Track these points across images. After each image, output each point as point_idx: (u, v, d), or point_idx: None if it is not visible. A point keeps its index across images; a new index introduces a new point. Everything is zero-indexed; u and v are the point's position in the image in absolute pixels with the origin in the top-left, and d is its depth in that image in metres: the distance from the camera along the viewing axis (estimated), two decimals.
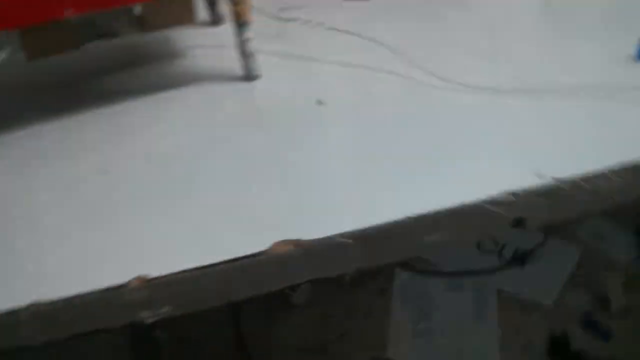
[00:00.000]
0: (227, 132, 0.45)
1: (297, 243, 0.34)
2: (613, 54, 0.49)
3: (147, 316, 0.33)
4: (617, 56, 0.48)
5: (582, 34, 0.54)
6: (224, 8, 0.57)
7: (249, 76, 0.51)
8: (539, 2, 0.62)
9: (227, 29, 0.54)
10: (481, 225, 0.36)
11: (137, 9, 0.50)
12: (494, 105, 0.44)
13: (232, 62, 0.53)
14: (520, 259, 0.90)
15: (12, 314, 0.32)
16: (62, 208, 0.39)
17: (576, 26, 0.56)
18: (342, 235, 0.34)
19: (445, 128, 0.42)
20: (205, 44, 0.58)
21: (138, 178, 0.41)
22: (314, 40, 0.56)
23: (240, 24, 0.49)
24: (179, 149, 0.43)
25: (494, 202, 0.35)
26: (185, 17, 0.52)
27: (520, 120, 0.43)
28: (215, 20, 0.61)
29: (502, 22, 0.58)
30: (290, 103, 0.47)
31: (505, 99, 0.44)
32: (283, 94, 0.49)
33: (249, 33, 0.49)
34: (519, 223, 0.36)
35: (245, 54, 0.50)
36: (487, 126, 0.42)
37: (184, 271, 0.33)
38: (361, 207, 0.36)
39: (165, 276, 0.33)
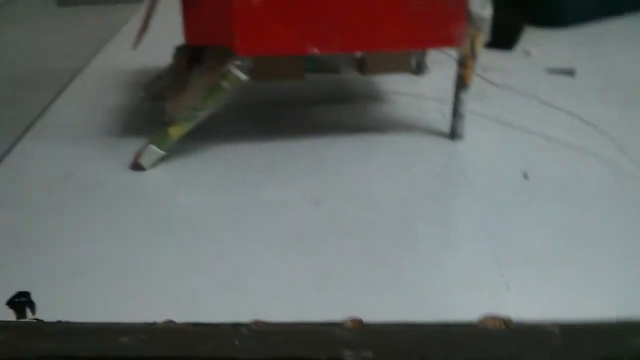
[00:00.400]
0: (435, 188, 0.46)
1: (506, 321, 0.34)
2: None
3: (349, 355, 0.35)
4: None
5: None
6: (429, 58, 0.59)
7: (454, 134, 0.52)
8: None
9: (430, 80, 0.56)
10: None
11: (359, 53, 0.54)
12: None
13: (434, 115, 0.55)
14: None
15: (236, 326, 0.34)
16: (272, 231, 0.42)
17: None
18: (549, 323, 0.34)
19: None
20: (409, 92, 0.60)
21: (353, 216, 0.43)
22: (520, 108, 0.56)
23: (461, 85, 0.50)
24: (389, 195, 0.45)
25: None
26: (403, 65, 0.54)
27: None
28: (420, 69, 0.63)
29: None
30: (496, 170, 0.48)
31: None
32: (488, 158, 0.50)
33: (466, 95, 0.51)
34: None
35: (457, 114, 0.51)
36: None
37: (396, 324, 0.34)
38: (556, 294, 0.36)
39: (377, 324, 0.34)
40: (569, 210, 0.43)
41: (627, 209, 0.43)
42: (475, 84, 0.58)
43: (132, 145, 0.50)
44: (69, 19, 0.93)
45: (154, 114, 0.53)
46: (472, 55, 0.49)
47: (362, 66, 0.53)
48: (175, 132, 0.47)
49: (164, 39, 0.56)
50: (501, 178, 0.47)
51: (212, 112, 0.48)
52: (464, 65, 0.50)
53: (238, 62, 0.45)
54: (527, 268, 0.38)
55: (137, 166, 0.48)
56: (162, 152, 0.48)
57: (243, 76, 0.45)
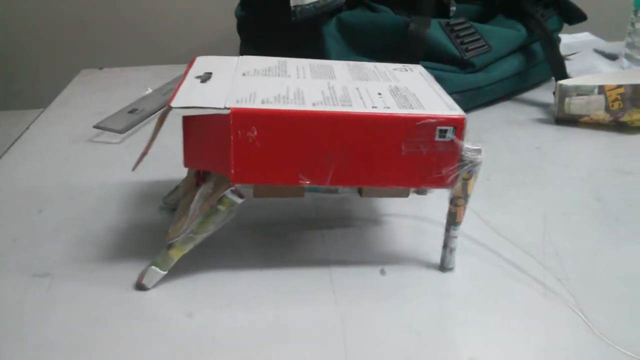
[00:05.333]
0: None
1: None
2: None
3: None
4: None
5: None
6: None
7: (443, 268, 0.53)
8: None
9: (430, 200, 0.56)
10: None
11: None
12: None
13: (429, 240, 0.56)
14: None
15: None
16: None
17: None
18: None
19: None
20: (406, 214, 0.61)
21: None
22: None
23: (452, 222, 0.52)
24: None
25: None
26: (400, 193, 0.55)
27: None
28: (422, 190, 0.64)
29: None
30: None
31: None
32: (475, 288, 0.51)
33: (457, 232, 0.52)
34: None
35: (447, 248, 0.53)
36: None
37: None
38: None
39: None
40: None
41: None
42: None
43: None
44: None
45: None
46: (464, 196, 0.51)
47: (360, 191, 0.54)
48: (176, 254, 0.48)
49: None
50: None
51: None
52: (455, 204, 0.50)
53: (233, 187, 0.46)
54: None
55: (141, 287, 0.49)
56: (163, 273, 0.49)
57: (239, 200, 0.46)
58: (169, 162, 0.71)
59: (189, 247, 0.49)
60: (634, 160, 0.74)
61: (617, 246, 0.56)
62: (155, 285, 0.50)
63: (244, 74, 0.52)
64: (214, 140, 0.47)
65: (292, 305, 0.48)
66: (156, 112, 0.87)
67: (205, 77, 0.51)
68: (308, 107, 0.46)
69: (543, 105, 0.90)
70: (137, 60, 1.28)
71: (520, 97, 0.94)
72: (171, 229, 0.51)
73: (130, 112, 0.85)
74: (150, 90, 0.94)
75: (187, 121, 0.49)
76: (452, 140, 0.47)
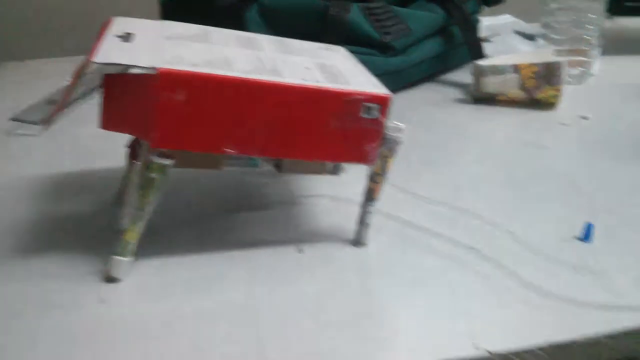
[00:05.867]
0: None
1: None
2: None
3: None
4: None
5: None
6: None
7: (358, 243, 0.54)
8: None
9: (345, 179, 0.57)
10: None
11: None
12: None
13: (344, 218, 0.57)
14: None
15: None
16: None
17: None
18: None
19: None
20: (322, 193, 0.62)
21: None
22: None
23: (369, 199, 0.52)
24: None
25: None
26: (318, 169, 0.55)
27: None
28: (336, 170, 0.65)
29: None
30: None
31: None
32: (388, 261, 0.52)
33: (373, 208, 0.53)
34: None
35: (362, 224, 0.53)
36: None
37: None
38: None
39: None
40: None
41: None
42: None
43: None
44: None
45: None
46: (383, 173, 0.51)
47: (278, 166, 0.53)
48: (131, 236, 0.47)
49: None
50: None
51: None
52: (373, 180, 0.52)
53: (156, 151, 0.44)
54: None
55: (111, 279, 0.48)
56: (127, 259, 0.48)
57: (167, 161, 0.45)
58: (85, 154, 0.70)
59: (140, 225, 0.47)
60: (547, 135, 0.77)
61: (526, 215, 0.59)
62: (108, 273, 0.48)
63: (168, 38, 0.50)
64: (137, 102, 0.46)
65: (208, 288, 0.48)
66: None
67: (127, 37, 0.49)
68: (238, 73, 0.45)
69: (463, 86, 0.93)
70: (57, 52, 1.24)
71: (442, 79, 0.97)
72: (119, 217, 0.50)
73: (49, 103, 0.83)
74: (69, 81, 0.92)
75: (109, 80, 0.47)
76: (377, 118, 0.48)
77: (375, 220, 0.54)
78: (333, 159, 0.51)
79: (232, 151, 0.46)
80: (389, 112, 0.48)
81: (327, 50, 0.58)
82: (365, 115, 0.48)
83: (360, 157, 0.49)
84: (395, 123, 0.49)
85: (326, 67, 0.51)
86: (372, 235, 0.54)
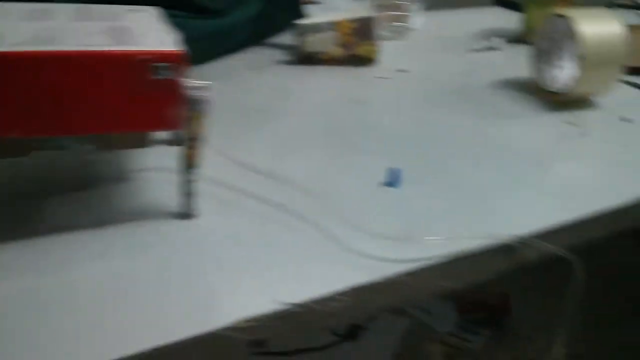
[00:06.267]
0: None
1: None
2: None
3: None
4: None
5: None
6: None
7: (187, 215, 0.52)
8: None
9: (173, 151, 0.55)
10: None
11: None
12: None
13: (172, 190, 0.55)
14: (353, 333, 1.10)
15: None
16: None
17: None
18: None
19: None
20: (158, 166, 0.58)
21: None
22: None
23: (188, 167, 0.50)
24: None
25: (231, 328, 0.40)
26: (141, 141, 0.51)
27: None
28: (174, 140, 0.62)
29: None
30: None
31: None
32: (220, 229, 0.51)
33: (195, 176, 0.51)
34: (259, 344, 0.41)
35: (187, 194, 0.52)
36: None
37: None
38: None
39: None
40: None
41: None
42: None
43: None
44: None
45: None
46: (196, 137, 0.49)
47: (97, 143, 0.49)
48: None
49: None
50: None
51: None
52: (189, 146, 0.50)
53: None
54: None
55: None
56: None
57: None
58: None
59: None
60: (367, 90, 0.80)
61: (352, 168, 0.61)
62: None
63: None
64: None
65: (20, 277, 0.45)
66: None
67: None
68: (2, 48, 0.41)
69: (289, 48, 0.94)
70: None
71: (268, 42, 0.97)
72: None
73: None
74: None
75: None
76: (170, 78, 0.45)
77: (207, 188, 0.53)
78: (135, 127, 0.48)
79: (14, 134, 0.42)
80: (184, 70, 0.46)
81: (133, 12, 0.55)
82: (157, 76, 0.45)
83: (163, 123, 0.47)
84: (197, 82, 0.47)
85: (117, 30, 0.48)
86: (204, 204, 0.53)
